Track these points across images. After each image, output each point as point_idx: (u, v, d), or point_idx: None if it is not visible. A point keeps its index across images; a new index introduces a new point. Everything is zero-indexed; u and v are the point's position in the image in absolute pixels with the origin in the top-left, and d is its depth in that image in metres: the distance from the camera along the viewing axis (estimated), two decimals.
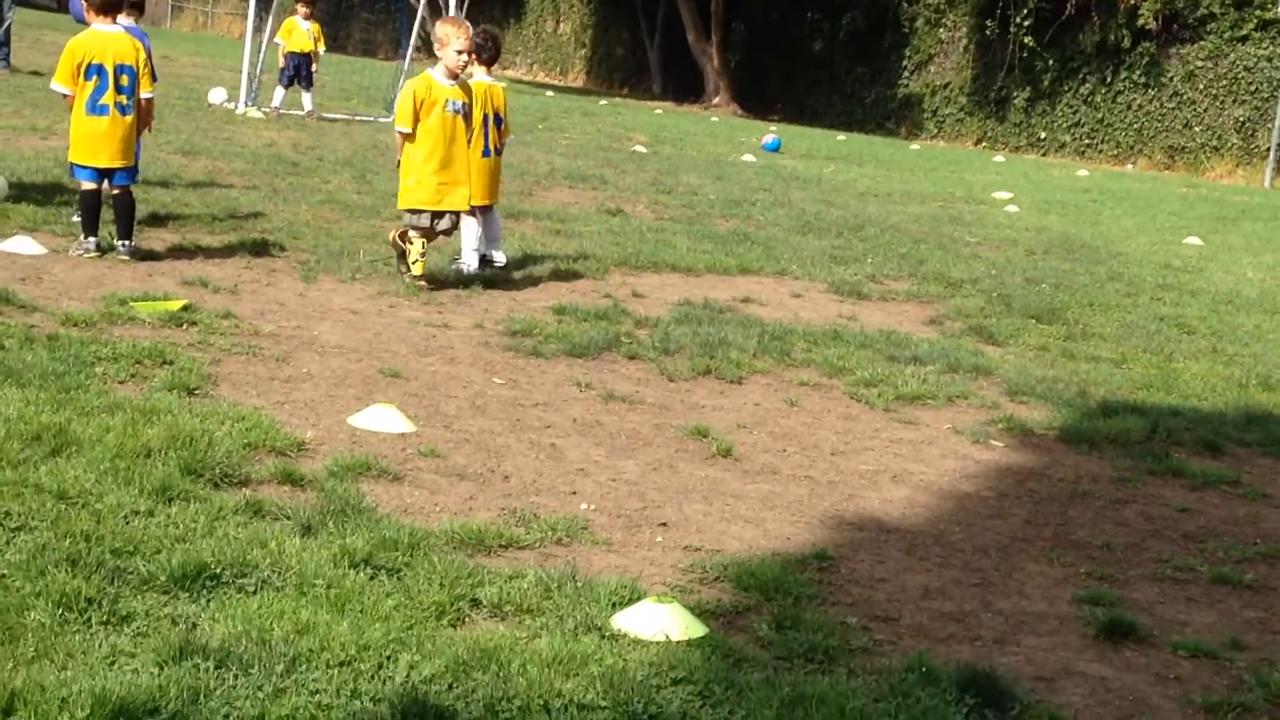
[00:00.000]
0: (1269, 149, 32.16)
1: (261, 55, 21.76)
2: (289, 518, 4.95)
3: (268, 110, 20.89)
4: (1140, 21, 33.89)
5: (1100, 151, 35.81)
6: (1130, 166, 34.75)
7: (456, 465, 6.01)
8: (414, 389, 7.16)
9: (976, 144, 38.24)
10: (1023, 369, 9.01)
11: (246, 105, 20.95)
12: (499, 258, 10.77)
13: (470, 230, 10.51)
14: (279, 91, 21.46)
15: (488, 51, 10.80)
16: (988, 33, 36.95)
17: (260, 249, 10.40)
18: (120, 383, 6.51)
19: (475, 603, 4.48)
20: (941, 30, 40.04)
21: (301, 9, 21.59)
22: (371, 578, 4.51)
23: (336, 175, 14.92)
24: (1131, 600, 5.23)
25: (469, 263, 10.52)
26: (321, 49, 21.79)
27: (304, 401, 6.67)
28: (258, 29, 21.75)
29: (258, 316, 8.28)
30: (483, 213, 10.61)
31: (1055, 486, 6.70)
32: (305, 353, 7.59)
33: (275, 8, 22.65)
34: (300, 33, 21.35)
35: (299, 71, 21.36)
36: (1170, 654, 4.74)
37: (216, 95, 21.97)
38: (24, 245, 9.34)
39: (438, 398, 7.06)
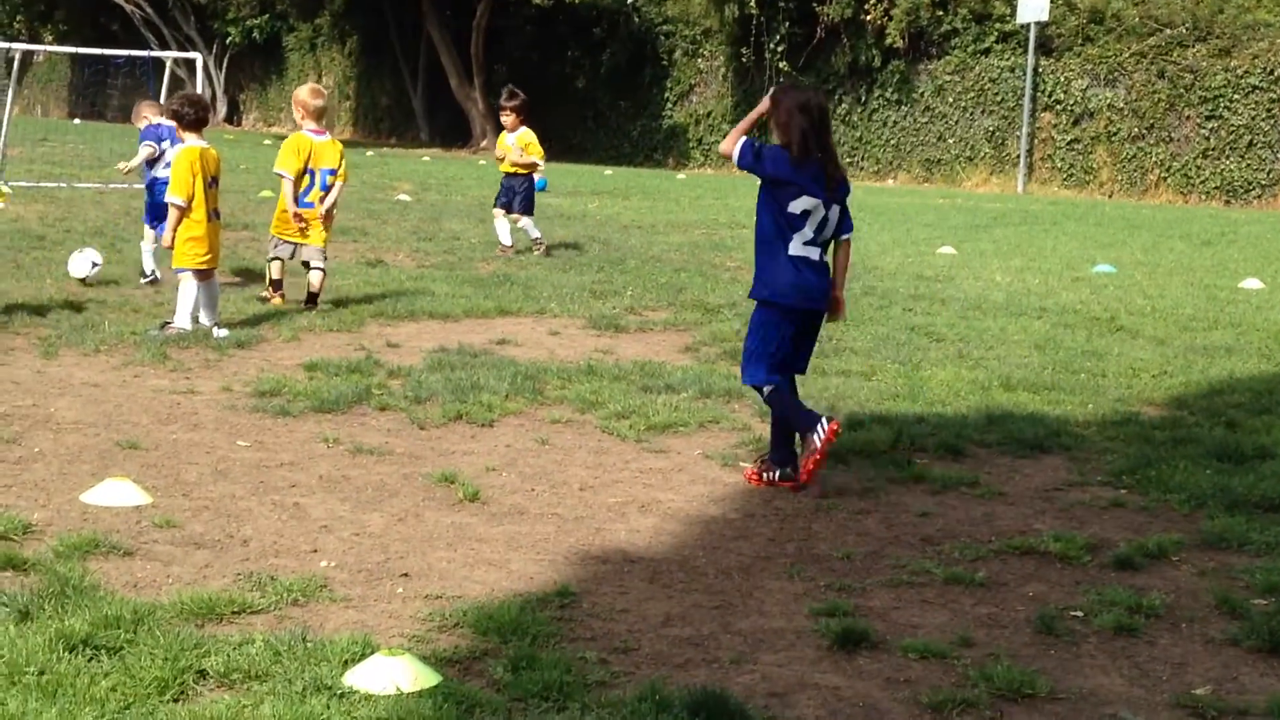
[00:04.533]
0: (1019, 156, 33.31)
1: (5, 131, 21.11)
2: (5, 605, 4.79)
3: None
4: (889, 41, 34.89)
5: (862, 169, 36.72)
6: (891, 181, 35.68)
7: (193, 534, 5.89)
8: (153, 459, 7.00)
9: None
10: None
11: None
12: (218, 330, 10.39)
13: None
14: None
15: (188, 116, 10.68)
16: (744, 60, 37.66)
17: None
18: None
19: (201, 674, 4.37)
20: (700, 60, 40.73)
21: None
22: (90, 659, 4.38)
23: (83, 246, 14.53)
24: (868, 608, 5.33)
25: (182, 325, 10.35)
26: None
27: (33, 482, 6.47)
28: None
29: None
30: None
31: (800, 503, 6.80)
32: (39, 431, 7.37)
33: (13, 84, 22.00)
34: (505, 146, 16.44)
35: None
36: (901, 657, 4.84)
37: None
38: None
39: (178, 466, 6.91)
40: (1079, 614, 5.32)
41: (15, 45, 23.56)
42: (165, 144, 12.78)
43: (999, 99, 34.18)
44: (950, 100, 35.04)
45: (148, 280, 12.62)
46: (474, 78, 44.47)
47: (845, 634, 4.96)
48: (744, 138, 7.19)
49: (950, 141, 35.12)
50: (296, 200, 11.62)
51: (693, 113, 40.95)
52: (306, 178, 11.66)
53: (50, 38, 58.31)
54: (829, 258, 7.31)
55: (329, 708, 4.16)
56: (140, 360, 9.32)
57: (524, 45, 45.14)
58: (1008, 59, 34.06)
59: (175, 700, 4.19)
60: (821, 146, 7.12)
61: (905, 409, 8.71)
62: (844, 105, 36.97)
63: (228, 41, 54.46)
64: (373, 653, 4.52)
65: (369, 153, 38.20)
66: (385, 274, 13.92)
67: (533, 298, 12.66)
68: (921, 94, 35.54)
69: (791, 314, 7.24)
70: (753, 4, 35.92)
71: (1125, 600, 5.41)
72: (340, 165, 11.79)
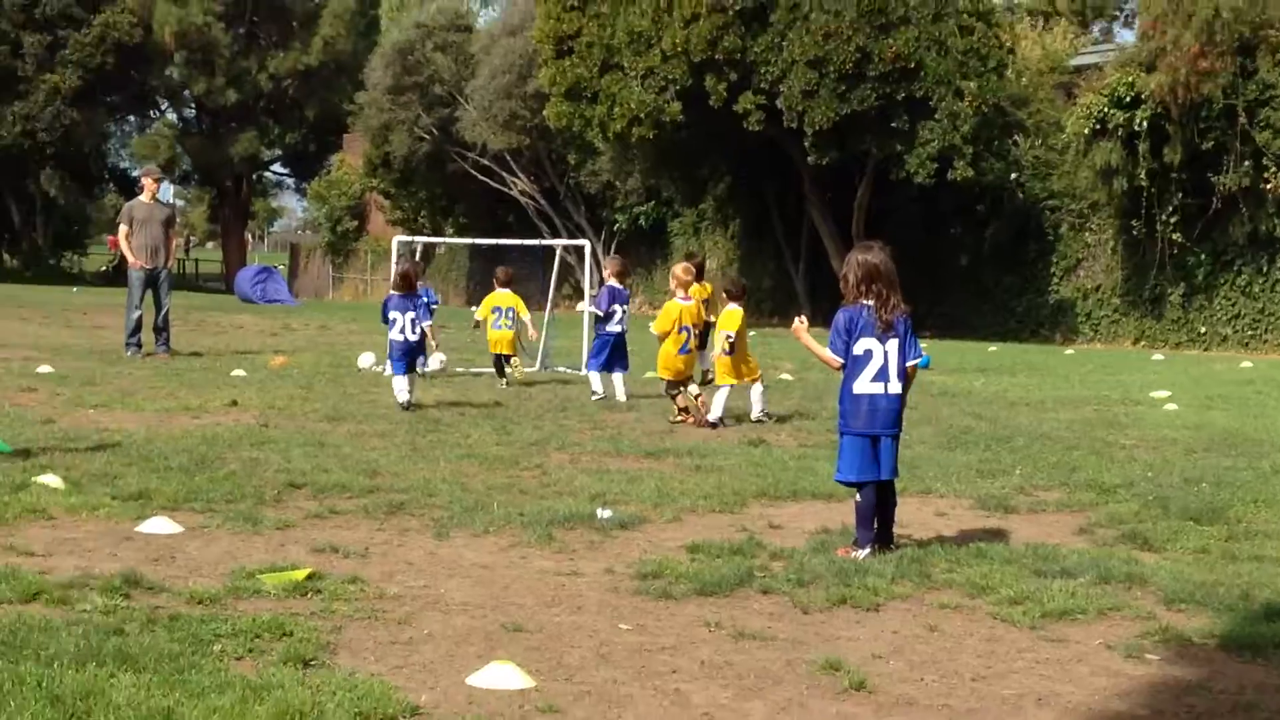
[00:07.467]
0: None
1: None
2: None
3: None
4: None
5: (1265, 341, 35.07)
6: None
7: None
8: (537, 642, 7.00)
9: (1135, 344, 37.70)
10: (1180, 575, 8.59)
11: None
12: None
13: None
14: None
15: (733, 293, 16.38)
16: (1134, 233, 36.64)
17: (395, 509, 10.39)
18: (237, 659, 6.43)
19: None
20: (1087, 234, 39.90)
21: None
22: None
23: (477, 429, 15.01)
24: None
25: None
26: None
27: (422, 664, 6.53)
28: None
29: (385, 579, 8.22)
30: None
31: (1216, 700, 6.28)
32: (429, 613, 7.48)
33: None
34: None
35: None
36: None
37: (365, 360, 22.41)
38: (161, 525, 9.42)
39: (561, 649, 6.88)
40: None
41: (418, 239, 24.94)
42: (615, 305, 17.77)
43: None
44: None
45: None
46: None
47: None
48: (826, 350, 9.10)
49: None
50: (678, 351, 16.12)
51: (1080, 287, 39.99)
52: (683, 334, 16.08)
53: (450, 230, 61.55)
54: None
55: None
56: (527, 541, 9.43)
57: (906, 222, 45.08)
58: None
59: None
60: (873, 293, 8.83)
61: None
62: (1244, 276, 35.47)
63: (615, 228, 56.33)
64: None
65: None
66: (767, 454, 13.85)
67: (918, 477, 12.35)
68: None
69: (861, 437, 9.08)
70: (1143, 176, 34.98)
71: None
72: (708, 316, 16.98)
